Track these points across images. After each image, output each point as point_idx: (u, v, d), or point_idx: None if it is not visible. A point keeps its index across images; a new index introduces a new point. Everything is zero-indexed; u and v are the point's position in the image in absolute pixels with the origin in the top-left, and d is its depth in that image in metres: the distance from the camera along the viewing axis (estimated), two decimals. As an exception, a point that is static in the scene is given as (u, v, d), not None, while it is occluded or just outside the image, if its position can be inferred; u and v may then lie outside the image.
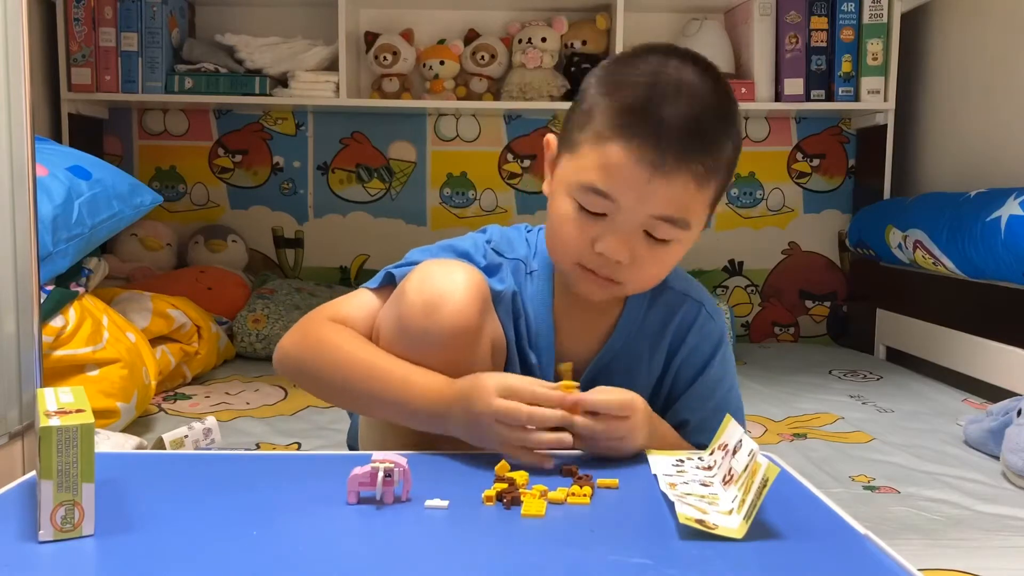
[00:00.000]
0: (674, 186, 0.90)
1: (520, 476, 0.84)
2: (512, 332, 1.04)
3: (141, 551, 0.69)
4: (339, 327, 1.00)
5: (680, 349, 1.06)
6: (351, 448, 1.19)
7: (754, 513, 0.72)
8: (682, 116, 0.89)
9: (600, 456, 0.92)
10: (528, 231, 1.11)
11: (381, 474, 0.78)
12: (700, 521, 0.72)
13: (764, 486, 0.72)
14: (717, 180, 0.94)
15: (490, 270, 1.04)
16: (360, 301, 1.04)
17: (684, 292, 1.07)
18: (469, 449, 0.93)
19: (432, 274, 0.95)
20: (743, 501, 0.74)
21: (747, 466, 0.77)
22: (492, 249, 1.06)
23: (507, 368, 1.04)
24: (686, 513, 0.73)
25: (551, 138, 1.02)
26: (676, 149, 0.89)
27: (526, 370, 1.05)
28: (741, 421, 1.05)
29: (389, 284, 1.02)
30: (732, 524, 0.72)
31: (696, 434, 1.04)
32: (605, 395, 0.90)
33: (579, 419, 0.89)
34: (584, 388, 0.97)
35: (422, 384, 0.92)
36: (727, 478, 0.81)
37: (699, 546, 0.70)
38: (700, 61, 0.95)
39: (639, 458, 0.93)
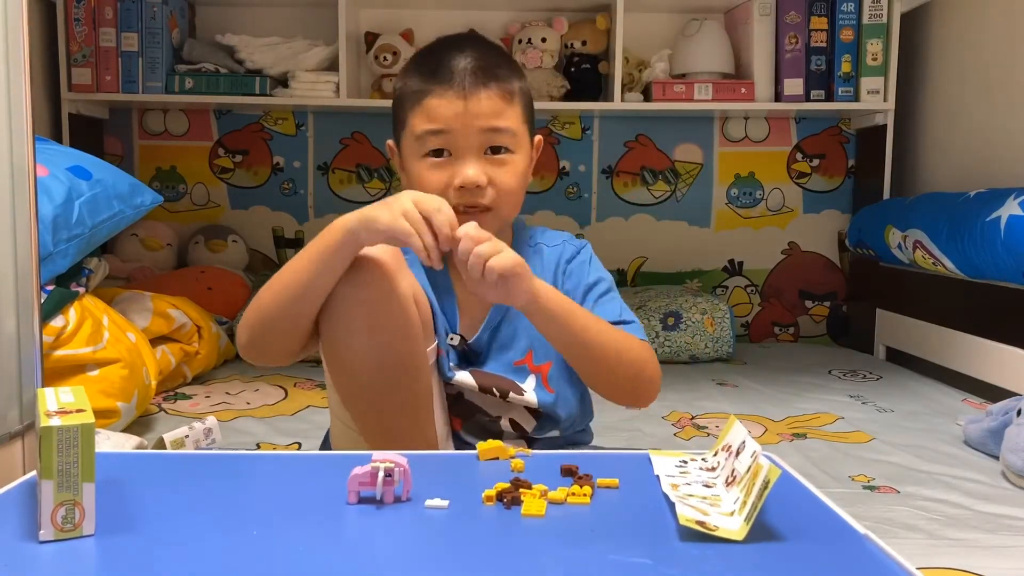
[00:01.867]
0: (485, 102, 1.06)
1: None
2: (429, 288, 1.12)
3: (141, 551, 0.69)
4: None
5: (566, 279, 1.17)
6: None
7: (755, 515, 0.72)
8: (468, 56, 1.07)
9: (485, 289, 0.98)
10: None
11: (381, 474, 0.78)
12: (701, 523, 0.72)
13: (765, 488, 0.72)
14: (518, 102, 1.10)
15: None
16: None
17: (551, 244, 1.20)
18: (470, 449, 0.93)
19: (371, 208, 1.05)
20: (744, 503, 0.74)
21: (749, 467, 0.77)
22: None
23: (435, 320, 1.12)
24: (687, 514, 0.73)
25: (391, 142, 1.18)
26: (473, 78, 1.06)
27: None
28: (624, 307, 1.14)
29: None
30: (733, 526, 0.72)
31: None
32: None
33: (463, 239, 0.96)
34: (485, 338, 1.11)
35: (330, 228, 1.02)
36: (730, 479, 0.81)
37: (699, 546, 0.70)
38: (473, 34, 1.16)
39: (640, 458, 0.93)
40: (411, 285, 1.05)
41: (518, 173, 1.10)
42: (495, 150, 1.08)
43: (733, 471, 0.81)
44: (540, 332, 1.06)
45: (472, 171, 1.06)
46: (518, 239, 1.17)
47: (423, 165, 1.09)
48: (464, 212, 1.07)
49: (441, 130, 1.07)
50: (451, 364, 1.12)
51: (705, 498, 0.80)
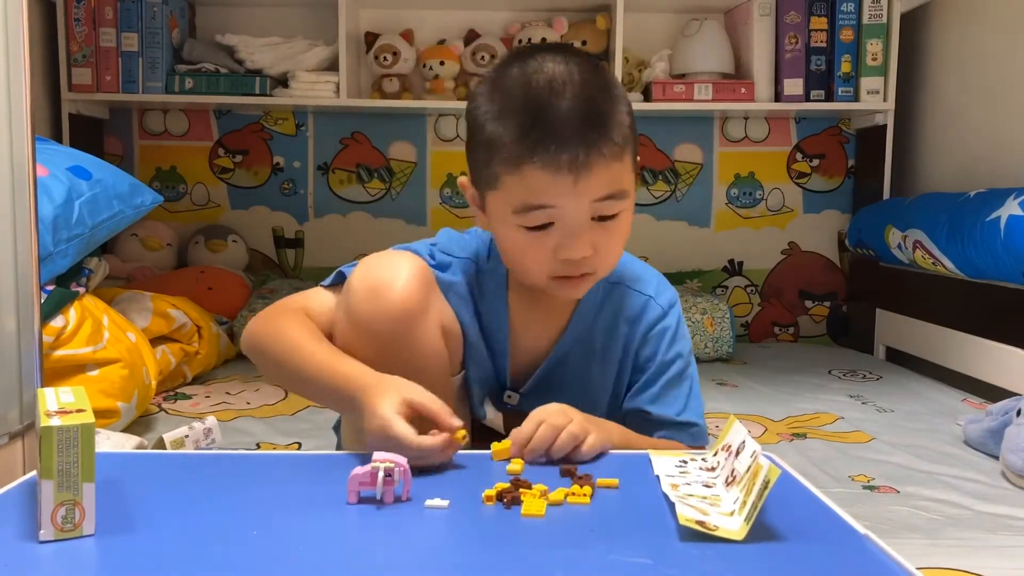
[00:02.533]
0: (598, 173, 0.93)
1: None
2: (476, 326, 1.07)
3: (141, 551, 0.69)
4: (301, 317, 1.03)
5: (632, 342, 1.09)
6: (336, 432, 1.21)
7: (755, 515, 0.72)
8: (571, 111, 0.91)
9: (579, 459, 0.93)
10: (478, 234, 1.13)
11: (381, 474, 0.78)
12: (700, 522, 0.72)
13: (765, 488, 0.72)
14: (629, 145, 0.97)
15: (440, 267, 1.07)
16: (318, 297, 1.08)
17: (634, 288, 1.10)
18: (470, 449, 0.93)
19: (375, 263, 0.99)
20: (744, 503, 0.74)
21: (749, 467, 0.77)
22: (440, 251, 1.09)
23: (471, 355, 1.08)
24: (686, 514, 0.73)
25: (464, 180, 1.04)
26: (583, 144, 0.91)
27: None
28: (693, 399, 1.09)
29: (340, 282, 1.05)
30: (732, 526, 0.72)
31: (657, 411, 1.07)
32: (523, 432, 0.92)
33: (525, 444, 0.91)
34: (537, 384, 1.04)
35: (343, 370, 0.95)
36: (730, 479, 0.81)
37: (699, 546, 0.70)
38: (559, 50, 0.97)
39: (640, 458, 0.93)
40: (440, 316, 1.01)
41: (626, 230, 0.99)
42: (605, 217, 0.96)
43: (733, 471, 0.81)
44: None
45: (579, 246, 0.95)
46: None
47: (519, 234, 0.96)
48: (565, 279, 0.98)
49: (544, 206, 0.93)
50: (487, 406, 1.10)
51: (705, 498, 0.80)
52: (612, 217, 0.96)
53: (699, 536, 0.71)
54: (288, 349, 0.99)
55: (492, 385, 1.11)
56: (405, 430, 0.86)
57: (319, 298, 1.07)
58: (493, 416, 1.10)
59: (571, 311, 1.08)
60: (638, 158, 1.02)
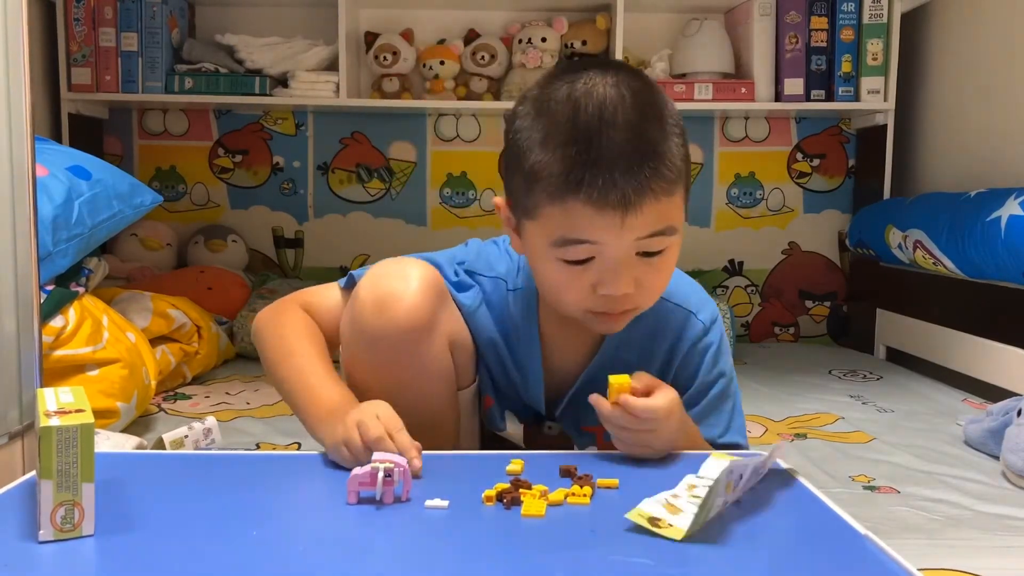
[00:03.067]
0: (648, 211, 0.87)
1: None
2: (505, 348, 1.04)
3: (141, 551, 0.69)
4: (306, 318, 1.03)
5: (673, 359, 1.04)
6: None
7: (703, 519, 0.71)
8: (622, 143, 0.85)
9: (633, 455, 0.92)
10: (509, 249, 1.08)
11: (381, 474, 0.78)
12: (652, 519, 0.72)
13: (712, 491, 0.71)
14: (681, 179, 0.91)
15: (460, 286, 1.03)
16: (330, 294, 1.07)
17: (672, 301, 1.04)
18: (469, 449, 0.93)
19: (383, 273, 0.96)
20: (701, 506, 0.73)
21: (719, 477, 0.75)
22: (466, 270, 1.05)
23: (496, 377, 1.05)
24: (644, 509, 0.74)
25: (499, 201, 0.98)
26: (633, 180, 0.85)
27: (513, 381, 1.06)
28: (736, 417, 1.06)
29: (351, 286, 1.03)
30: (681, 524, 0.72)
31: (709, 435, 1.05)
32: (639, 402, 0.90)
33: (611, 410, 0.90)
34: (571, 403, 0.99)
35: (323, 396, 0.93)
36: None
37: (699, 546, 0.70)
38: (609, 69, 0.91)
39: (640, 458, 0.93)
40: (448, 330, 0.98)
41: (672, 265, 0.94)
42: (650, 253, 0.91)
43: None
44: None
45: (621, 284, 0.89)
46: None
47: (556, 267, 0.91)
48: (601, 314, 0.94)
49: (589, 241, 0.88)
50: (504, 414, 1.08)
51: (697, 497, 0.79)
52: (658, 253, 0.91)
53: (699, 536, 0.71)
54: (283, 356, 0.99)
55: (518, 408, 1.08)
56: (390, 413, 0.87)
57: (330, 294, 1.06)
58: (514, 429, 1.08)
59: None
60: (689, 189, 0.96)
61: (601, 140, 0.85)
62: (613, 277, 0.89)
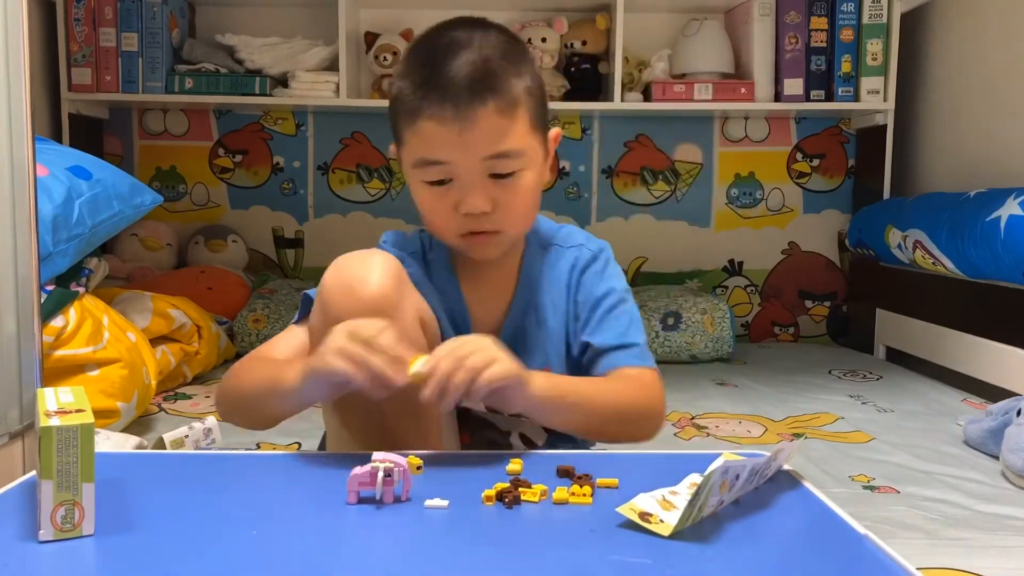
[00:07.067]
0: (484, 127, 0.96)
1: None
2: (440, 311, 1.08)
3: (141, 551, 0.69)
4: (251, 359, 1.04)
5: (578, 291, 1.11)
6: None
7: (691, 517, 0.71)
8: (463, 68, 0.95)
9: (493, 405, 0.92)
10: (421, 230, 1.15)
11: (381, 474, 0.78)
12: (642, 514, 0.72)
13: (701, 488, 0.71)
14: (524, 106, 0.99)
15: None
16: (288, 337, 1.08)
17: (563, 244, 1.13)
18: (468, 449, 0.93)
19: (346, 261, 1.00)
20: (690, 504, 0.73)
21: (710, 475, 0.75)
22: (391, 248, 1.10)
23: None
24: (636, 504, 0.74)
25: (392, 146, 1.08)
26: (467, 98, 0.95)
27: None
28: (633, 327, 1.10)
29: (309, 313, 1.05)
30: (670, 520, 0.72)
31: (598, 340, 1.08)
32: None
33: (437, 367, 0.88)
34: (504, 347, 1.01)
35: (295, 364, 0.95)
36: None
37: (699, 546, 0.70)
38: (476, 22, 1.02)
39: (640, 458, 0.93)
40: (416, 308, 1.01)
41: (527, 190, 1.02)
42: (500, 175, 0.99)
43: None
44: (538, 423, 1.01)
45: (475, 200, 0.98)
46: (532, 242, 1.13)
47: (424, 190, 1.02)
48: (472, 236, 1.02)
49: (439, 161, 0.98)
50: None
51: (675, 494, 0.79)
52: (510, 175, 0.99)
53: (699, 536, 0.71)
54: (242, 377, 1.00)
55: None
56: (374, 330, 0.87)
57: (287, 337, 1.07)
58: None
59: (515, 281, 1.11)
60: (545, 125, 1.04)
61: (445, 66, 0.96)
62: (468, 195, 0.98)
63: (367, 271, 0.97)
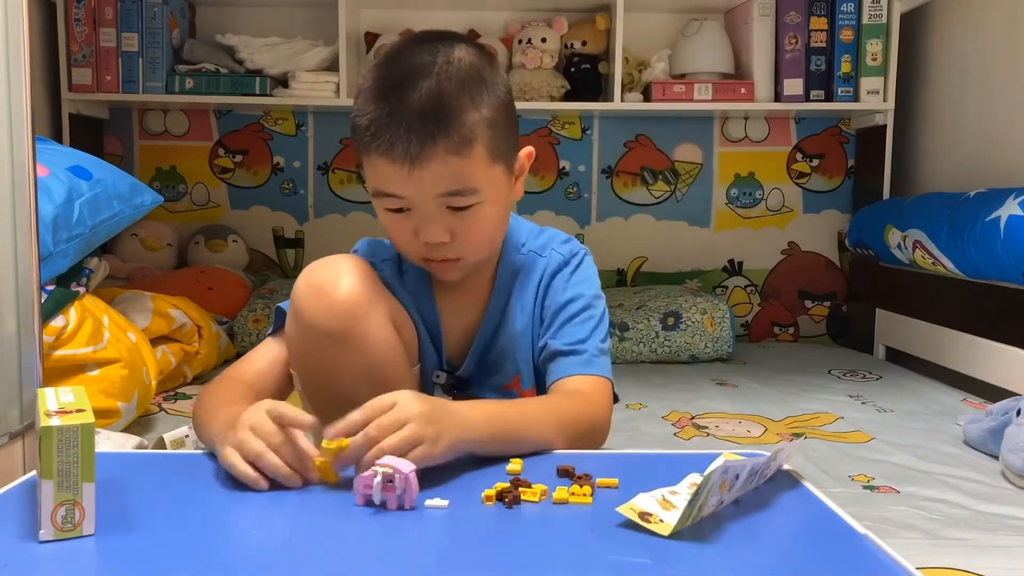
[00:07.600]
0: (434, 168, 0.93)
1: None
2: (417, 315, 1.09)
3: (141, 551, 0.69)
4: (222, 379, 1.04)
5: (546, 296, 1.11)
6: None
7: (691, 516, 0.71)
8: (417, 103, 0.92)
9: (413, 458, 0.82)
10: None
11: (379, 478, 0.78)
12: (642, 514, 0.72)
13: (701, 488, 0.71)
14: (480, 142, 0.95)
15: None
16: (263, 350, 1.08)
17: (540, 252, 1.12)
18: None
19: (318, 266, 1.01)
20: (690, 503, 0.73)
21: (709, 475, 0.75)
22: (364, 256, 1.10)
23: (421, 349, 1.09)
24: (635, 504, 0.74)
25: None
26: (418, 138, 0.92)
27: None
28: (596, 332, 1.08)
29: (283, 324, 1.06)
30: (670, 520, 0.72)
31: (553, 344, 1.07)
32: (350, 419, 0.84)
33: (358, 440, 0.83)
34: (475, 363, 1.05)
35: (232, 411, 0.90)
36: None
37: (699, 546, 0.70)
38: (444, 38, 0.98)
39: (640, 458, 0.93)
40: (388, 310, 1.02)
41: (487, 220, 1.00)
42: (457, 208, 0.97)
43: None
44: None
45: (432, 232, 0.97)
46: (508, 249, 1.11)
47: (385, 215, 1.01)
48: (433, 261, 1.02)
49: (394, 195, 0.97)
50: (437, 389, 1.11)
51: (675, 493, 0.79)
52: (468, 207, 0.97)
53: (699, 536, 0.71)
54: (204, 416, 0.98)
55: (437, 370, 1.12)
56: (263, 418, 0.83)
57: (264, 353, 1.07)
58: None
59: (489, 290, 1.11)
60: (509, 149, 1.01)
61: (400, 99, 0.93)
62: (424, 226, 0.98)
63: (337, 275, 0.98)
